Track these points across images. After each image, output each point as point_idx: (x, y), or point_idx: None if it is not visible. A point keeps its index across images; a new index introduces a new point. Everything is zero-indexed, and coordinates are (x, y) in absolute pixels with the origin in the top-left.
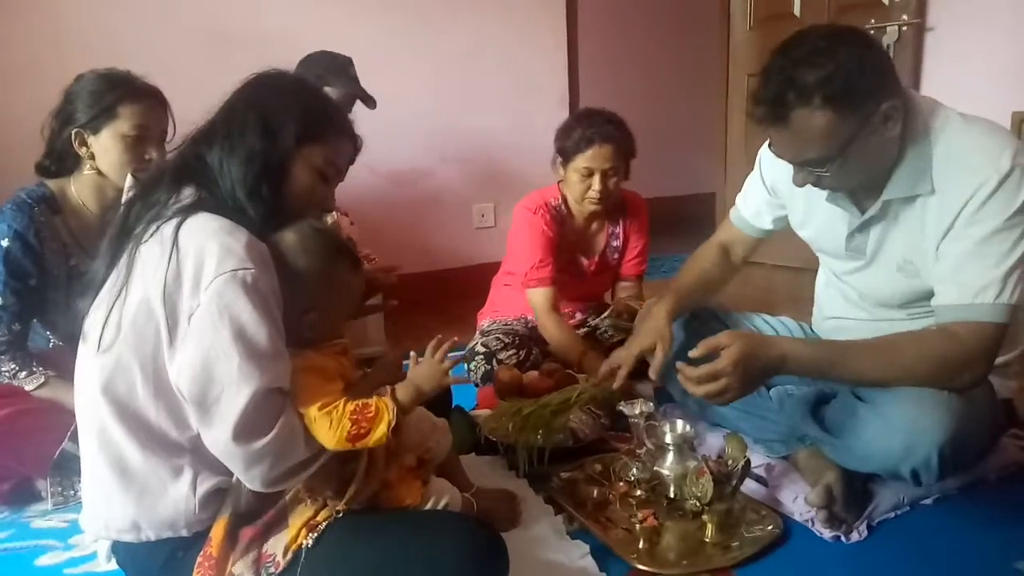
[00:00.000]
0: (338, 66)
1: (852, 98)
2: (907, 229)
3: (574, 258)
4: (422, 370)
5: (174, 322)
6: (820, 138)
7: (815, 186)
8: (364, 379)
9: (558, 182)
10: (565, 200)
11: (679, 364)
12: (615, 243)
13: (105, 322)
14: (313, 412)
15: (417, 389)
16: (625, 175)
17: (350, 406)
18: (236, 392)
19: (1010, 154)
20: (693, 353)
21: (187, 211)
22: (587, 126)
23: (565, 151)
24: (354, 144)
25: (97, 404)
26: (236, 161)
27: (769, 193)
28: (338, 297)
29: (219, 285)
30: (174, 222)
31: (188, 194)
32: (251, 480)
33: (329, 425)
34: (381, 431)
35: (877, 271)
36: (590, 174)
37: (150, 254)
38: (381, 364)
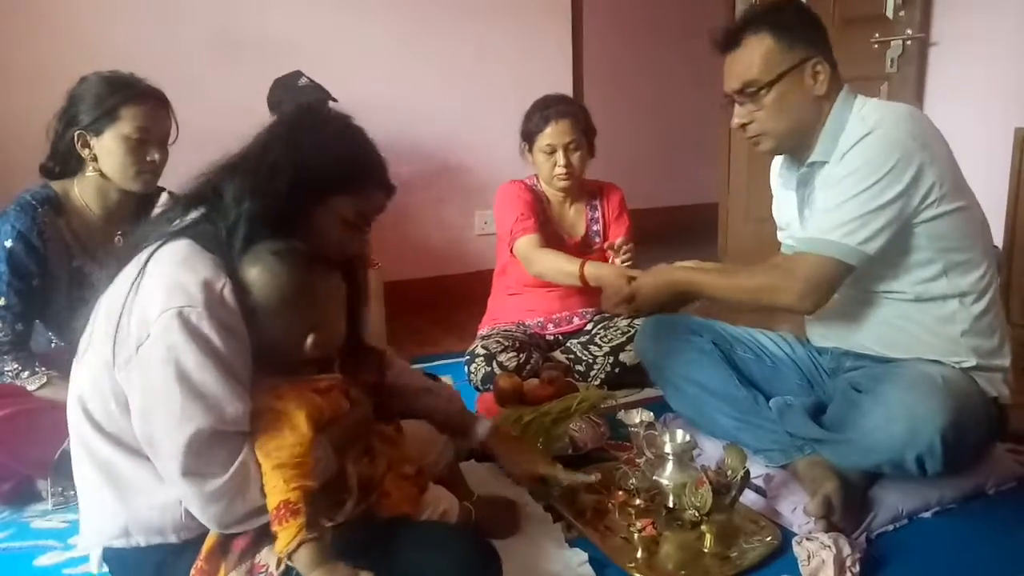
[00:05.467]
0: (291, 85)
1: (792, 36)
2: (821, 194)
3: (556, 234)
4: (334, 570)
5: (121, 343)
6: (761, 59)
7: (749, 137)
8: (337, 423)
9: (534, 175)
10: (540, 184)
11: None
12: (595, 227)
13: (86, 331)
14: (267, 466)
15: (311, 570)
16: (590, 152)
17: (292, 495)
18: (176, 431)
19: (876, 119)
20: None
21: (174, 235)
22: (543, 107)
23: (528, 134)
24: (388, 194)
25: (77, 414)
26: (256, 201)
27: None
28: (328, 305)
29: (165, 321)
30: (155, 245)
31: (190, 218)
32: (208, 521)
33: (272, 486)
34: (278, 546)
35: None
36: (553, 151)
37: (126, 272)
38: (353, 416)
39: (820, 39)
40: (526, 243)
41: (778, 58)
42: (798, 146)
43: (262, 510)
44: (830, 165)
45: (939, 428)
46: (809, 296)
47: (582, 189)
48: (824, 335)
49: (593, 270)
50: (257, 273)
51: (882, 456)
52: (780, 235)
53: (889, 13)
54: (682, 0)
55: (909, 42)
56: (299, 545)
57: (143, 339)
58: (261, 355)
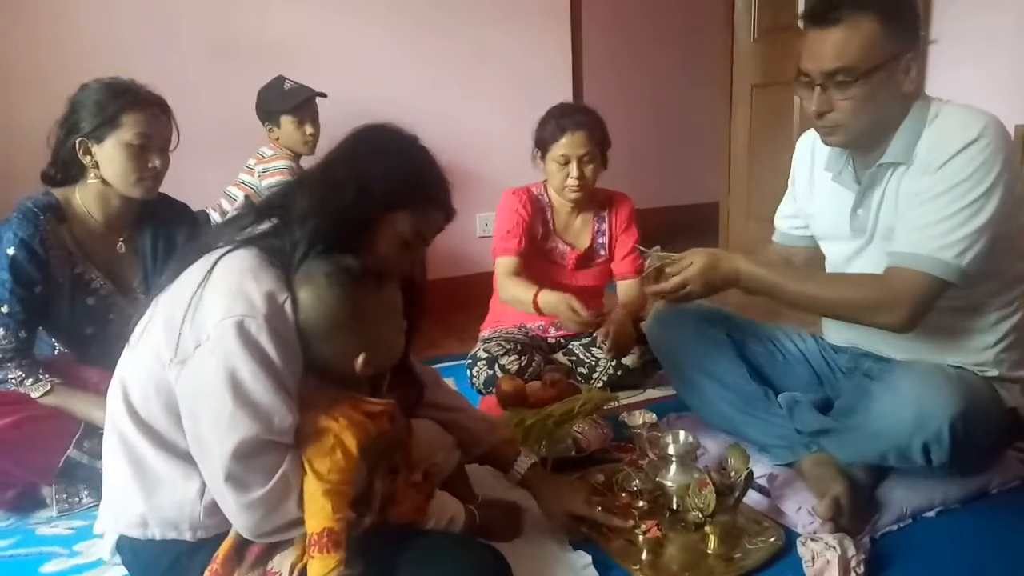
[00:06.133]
0: (278, 89)
1: (897, 24)
2: (891, 197)
3: (556, 247)
4: None
5: (178, 340)
6: (860, 45)
7: (823, 127)
8: (377, 443)
9: (544, 181)
10: (547, 192)
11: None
12: (601, 239)
13: (140, 321)
14: (316, 487)
15: None
16: (603, 164)
17: (336, 524)
18: (225, 436)
19: (981, 126)
20: (669, 269)
21: (243, 243)
22: (560, 116)
23: (542, 142)
24: (447, 215)
25: (116, 401)
26: (320, 216)
27: (795, 194)
28: (381, 323)
29: (224, 328)
30: (224, 249)
31: (261, 229)
32: (242, 528)
33: (317, 510)
34: (313, 572)
35: (874, 247)
36: (566, 161)
37: (192, 271)
38: (392, 437)
39: (917, 32)
40: (501, 267)
41: (880, 46)
42: (870, 144)
43: (296, 523)
44: (909, 170)
45: (948, 417)
46: (916, 318)
47: (591, 199)
48: (844, 336)
49: (544, 298)
50: (307, 295)
51: (889, 443)
52: (784, 223)
53: None
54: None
55: None
56: None
57: (202, 341)
58: (316, 368)
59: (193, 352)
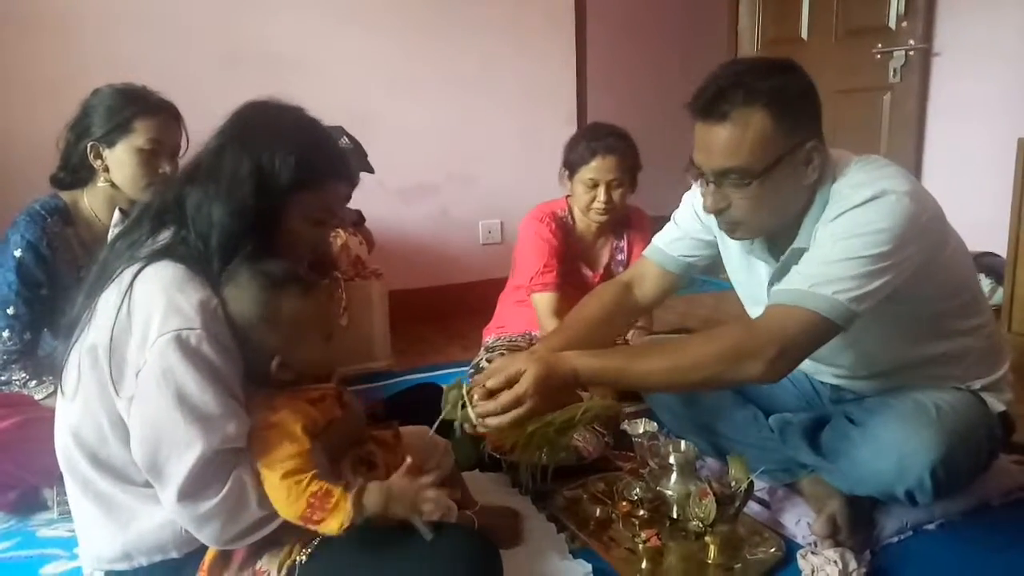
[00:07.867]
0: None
1: (791, 116)
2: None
3: (578, 269)
4: (401, 488)
5: (119, 374)
6: (752, 144)
7: (723, 222)
8: (330, 429)
9: (566, 196)
10: (572, 213)
11: (478, 401)
12: (620, 256)
13: (68, 367)
14: (274, 479)
15: (386, 505)
16: (631, 188)
17: (313, 486)
18: (181, 456)
19: (879, 188)
20: (491, 383)
21: (153, 257)
22: (592, 138)
23: (571, 163)
24: (351, 184)
25: (70, 450)
26: (224, 210)
27: (701, 222)
28: (297, 332)
29: (161, 346)
30: (135, 268)
31: (165, 236)
32: (206, 539)
33: (287, 496)
34: (332, 527)
35: None
36: (595, 185)
37: (107, 299)
38: (345, 421)
39: (817, 114)
40: (542, 304)
41: (775, 142)
42: (777, 234)
43: (261, 523)
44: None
45: (928, 465)
46: (785, 362)
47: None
48: (822, 373)
49: None
50: (227, 292)
51: (872, 488)
52: (674, 246)
53: (892, 24)
54: (686, 5)
55: (912, 52)
56: (358, 502)
57: (141, 367)
58: (252, 369)
59: (136, 381)
